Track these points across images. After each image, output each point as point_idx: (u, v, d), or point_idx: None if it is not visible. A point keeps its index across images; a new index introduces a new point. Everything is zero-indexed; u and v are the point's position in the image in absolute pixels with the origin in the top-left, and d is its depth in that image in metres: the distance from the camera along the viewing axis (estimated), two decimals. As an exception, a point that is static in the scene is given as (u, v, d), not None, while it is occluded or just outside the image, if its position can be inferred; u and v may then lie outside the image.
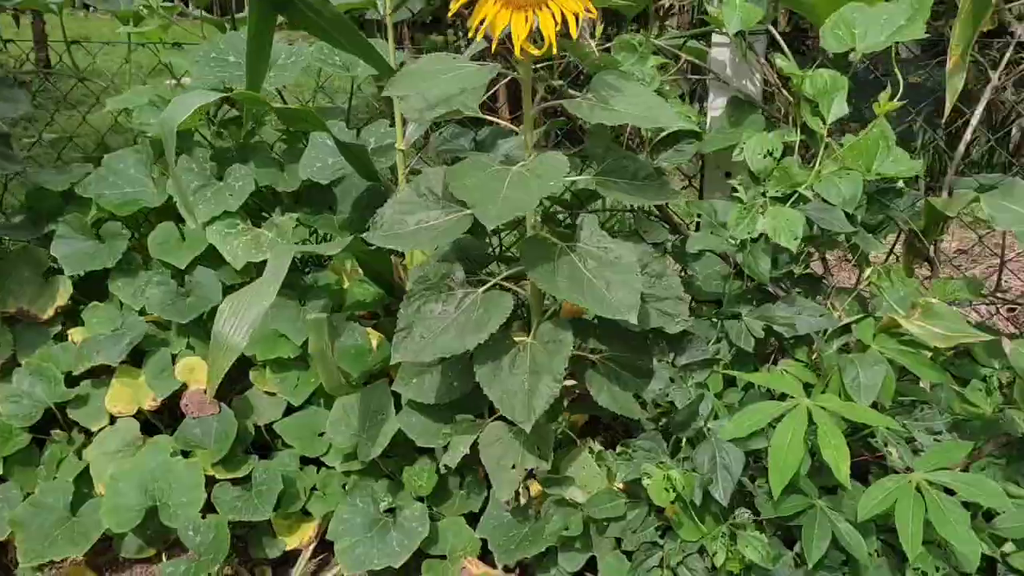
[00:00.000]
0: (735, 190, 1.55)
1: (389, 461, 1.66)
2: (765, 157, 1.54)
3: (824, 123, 1.47)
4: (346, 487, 1.67)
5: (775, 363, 1.45)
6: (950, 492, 1.22)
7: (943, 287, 1.40)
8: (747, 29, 1.55)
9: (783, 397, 1.30)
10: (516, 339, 1.44)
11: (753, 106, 1.68)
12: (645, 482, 1.31)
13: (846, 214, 1.41)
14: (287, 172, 1.90)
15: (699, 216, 1.52)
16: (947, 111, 1.51)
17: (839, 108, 1.47)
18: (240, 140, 2.03)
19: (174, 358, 1.81)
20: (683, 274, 1.64)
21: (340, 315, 1.74)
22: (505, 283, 1.47)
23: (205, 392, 1.74)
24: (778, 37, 1.64)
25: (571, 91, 1.50)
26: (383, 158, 1.78)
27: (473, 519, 1.61)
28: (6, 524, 1.63)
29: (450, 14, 1.26)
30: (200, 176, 1.84)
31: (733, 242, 1.43)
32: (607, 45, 1.67)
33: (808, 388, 1.36)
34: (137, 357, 1.84)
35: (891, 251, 1.77)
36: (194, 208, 1.78)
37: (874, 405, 1.29)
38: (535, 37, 1.22)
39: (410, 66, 1.35)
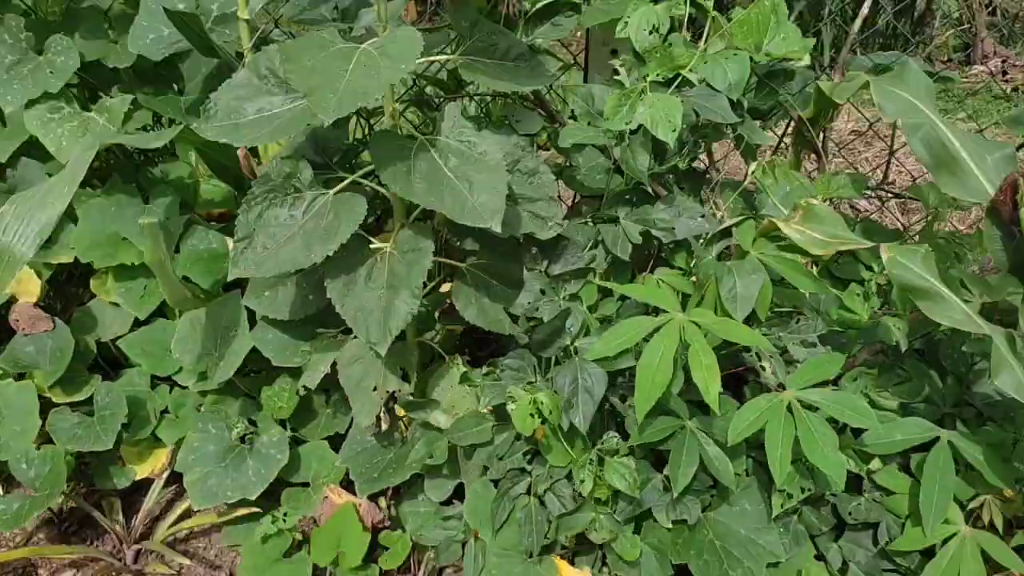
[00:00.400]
0: (617, 73, 1.40)
1: (246, 379, 1.53)
2: (651, 33, 1.39)
3: (712, -1, 1.32)
4: (200, 408, 1.54)
5: (654, 269, 1.35)
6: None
7: (827, 183, 1.31)
8: None
9: (658, 311, 1.21)
10: (374, 247, 1.30)
11: (641, -26, 1.51)
12: (510, 407, 1.22)
13: (731, 102, 1.29)
14: (121, 44, 1.65)
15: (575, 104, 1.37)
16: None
17: (731, -19, 1.32)
18: (66, 2, 1.75)
19: None
20: (566, 165, 1.51)
21: (182, 218, 1.55)
22: (364, 180, 1.31)
23: (36, 305, 1.56)
24: None
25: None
26: (227, 28, 1.55)
27: (339, 441, 1.51)
28: None
29: None
30: (14, 49, 1.58)
31: (610, 134, 1.30)
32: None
33: (686, 299, 1.28)
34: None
35: (781, 140, 1.67)
36: (8, 89, 1.53)
37: (752, 315, 1.22)
38: None
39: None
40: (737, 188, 1.42)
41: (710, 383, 1.12)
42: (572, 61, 1.70)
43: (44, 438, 1.51)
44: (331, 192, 1.26)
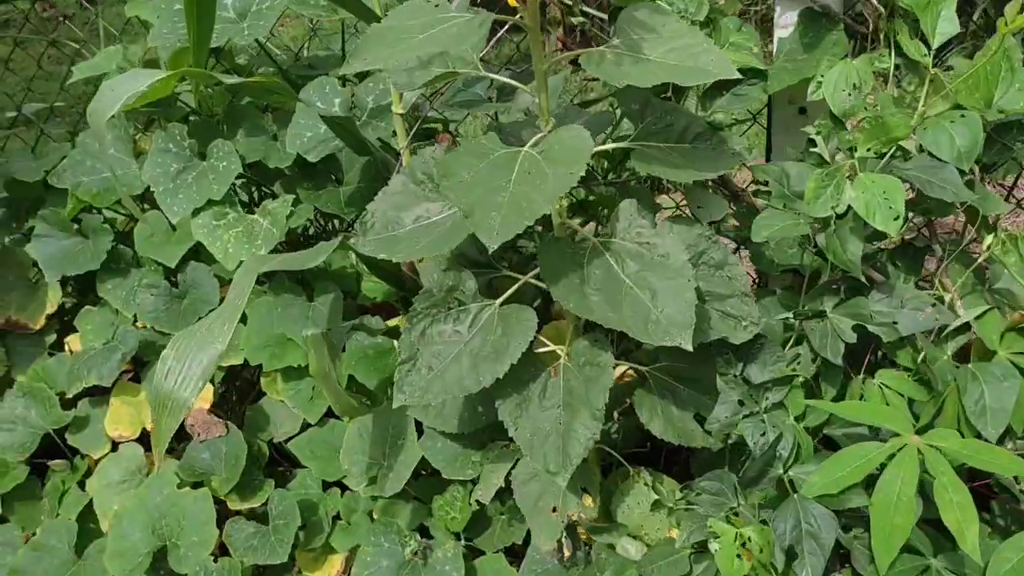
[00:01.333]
0: (812, 142, 1.22)
1: (417, 483, 1.45)
2: (850, 94, 1.19)
3: (928, 49, 1.11)
4: (373, 515, 1.47)
5: (872, 370, 1.15)
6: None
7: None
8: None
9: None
10: (545, 354, 1.18)
11: (833, 20, 1.32)
12: (712, 547, 1.06)
13: (962, 173, 1.08)
14: (281, 140, 1.63)
15: (765, 184, 1.20)
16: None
17: (948, 25, 1.11)
18: (228, 103, 1.76)
19: (176, 368, 1.62)
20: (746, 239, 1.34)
21: (345, 326, 1.49)
22: (533, 281, 1.20)
23: (210, 411, 1.55)
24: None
25: (593, 30, 1.18)
26: (383, 121, 1.49)
27: (516, 553, 1.40)
28: (7, 574, 1.50)
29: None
30: (179, 157, 1.59)
31: (812, 220, 1.12)
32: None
33: (916, 407, 1.07)
34: (140, 367, 1.66)
35: (1010, 192, 1.42)
36: (175, 200, 1.54)
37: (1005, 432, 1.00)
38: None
39: (379, 25, 1.04)
40: (969, 264, 1.19)
41: (966, 527, 0.91)
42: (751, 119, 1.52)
43: (220, 547, 1.49)
44: (496, 303, 1.15)
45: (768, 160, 1.49)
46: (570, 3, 1.17)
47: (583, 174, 0.97)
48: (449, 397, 1.10)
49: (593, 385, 1.10)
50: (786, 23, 1.37)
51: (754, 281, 1.52)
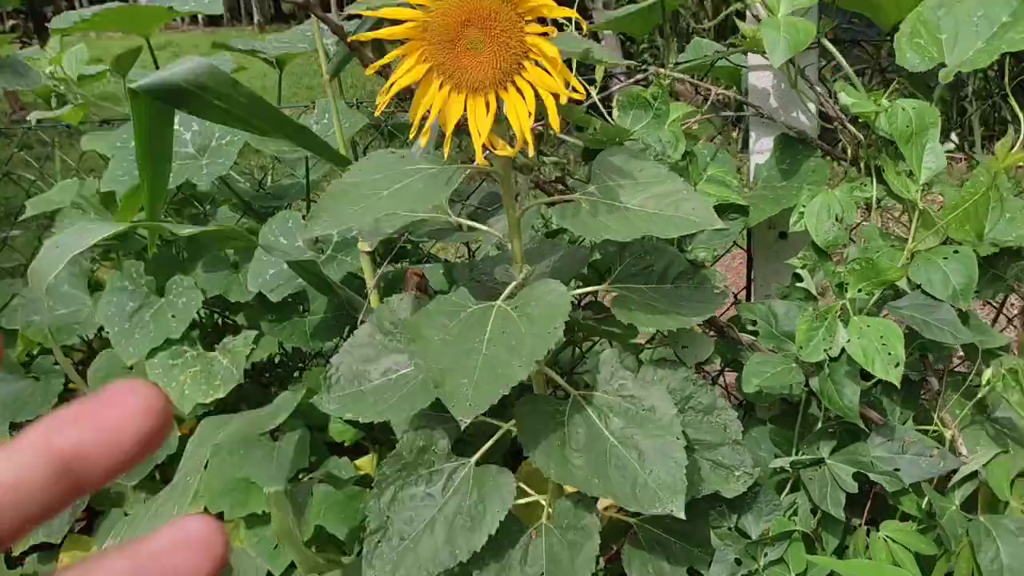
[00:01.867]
0: (797, 275, 1.17)
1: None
2: (833, 224, 1.15)
3: (915, 183, 1.08)
4: None
5: (875, 520, 1.08)
6: None
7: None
8: (795, 55, 1.15)
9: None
10: (525, 507, 1.10)
11: (810, 146, 1.29)
12: None
13: (959, 312, 1.03)
14: (243, 273, 1.56)
15: (753, 323, 1.14)
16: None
17: (935, 159, 1.07)
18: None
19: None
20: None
21: (312, 482, 1.40)
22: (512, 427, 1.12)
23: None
24: (837, 55, 1.24)
25: (565, 178, 1.13)
26: (348, 256, 1.43)
27: None
28: None
29: (381, 104, 0.90)
30: (136, 294, 1.51)
31: (804, 364, 1.06)
32: (622, 85, 1.29)
33: (922, 560, 1.00)
34: (94, 516, 1.55)
35: (1000, 311, 1.37)
36: (130, 340, 1.46)
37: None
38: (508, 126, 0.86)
39: (341, 182, 0.99)
40: (971, 397, 1.13)
41: None
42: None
43: None
44: (472, 461, 1.07)
45: (749, 284, 1.44)
46: (545, 152, 1.13)
47: (560, 335, 0.91)
48: (424, 575, 1.01)
49: (578, 554, 1.02)
50: (762, 148, 1.34)
51: (739, 403, 1.45)
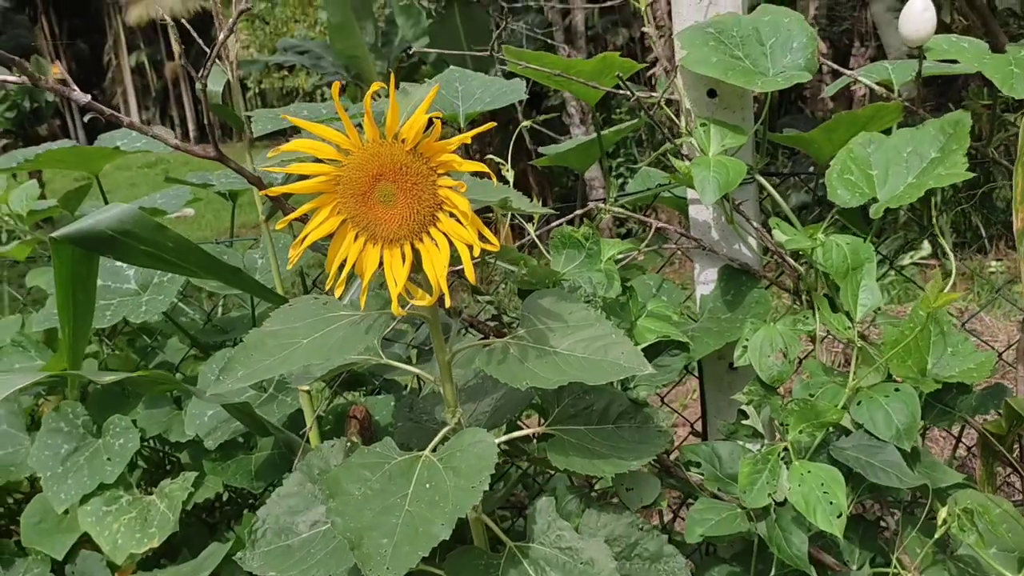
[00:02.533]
0: (743, 412, 1.14)
1: None
2: (777, 359, 1.13)
3: (852, 321, 1.06)
4: None
5: None
6: None
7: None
8: (730, 192, 1.16)
9: None
10: None
11: (753, 278, 1.28)
12: None
13: (903, 453, 0.99)
14: (187, 409, 1.51)
15: (698, 465, 1.10)
16: None
17: (869, 297, 1.06)
18: (136, 366, 1.67)
19: None
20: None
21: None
22: None
23: None
24: (771, 191, 1.25)
25: (495, 319, 1.12)
26: (289, 397, 1.39)
27: None
28: None
29: (293, 258, 0.88)
30: (71, 436, 1.46)
31: (749, 509, 1.01)
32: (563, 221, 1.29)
33: None
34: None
35: (958, 441, 1.34)
36: (62, 486, 1.40)
37: None
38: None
39: (260, 331, 0.96)
40: (931, 534, 1.08)
41: None
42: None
43: None
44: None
45: (704, 417, 1.41)
46: (482, 291, 1.12)
47: (487, 487, 0.87)
48: None
49: None
50: (706, 279, 1.33)
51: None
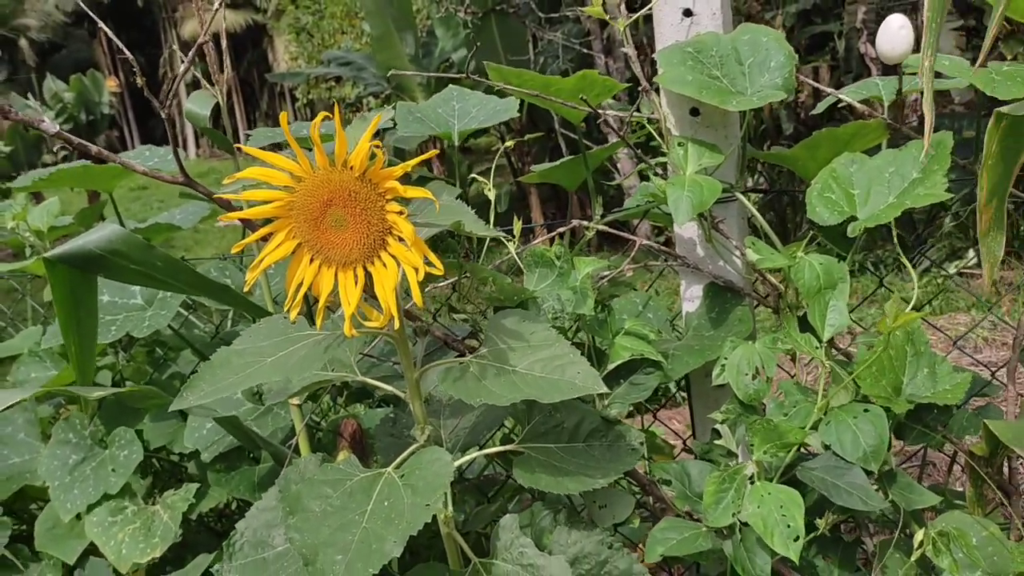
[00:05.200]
0: (718, 433, 1.14)
1: None
2: (754, 378, 1.13)
3: (820, 341, 1.05)
4: None
5: None
6: None
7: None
8: (705, 212, 1.16)
9: None
10: None
11: (738, 295, 1.27)
12: None
13: (871, 475, 0.98)
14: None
15: (668, 483, 1.10)
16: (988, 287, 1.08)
17: (838, 317, 1.05)
18: (148, 377, 1.72)
19: None
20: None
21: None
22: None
23: None
24: (751, 209, 1.25)
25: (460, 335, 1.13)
26: (283, 410, 1.43)
27: None
28: None
29: (250, 280, 0.91)
30: (79, 447, 1.52)
31: (715, 528, 1.01)
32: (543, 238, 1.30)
33: None
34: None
35: (953, 460, 1.32)
36: (69, 495, 1.45)
37: None
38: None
39: (227, 349, 0.99)
40: (911, 553, 1.07)
41: None
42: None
43: None
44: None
45: (694, 434, 1.40)
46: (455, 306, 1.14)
47: (440, 506, 0.89)
48: None
49: None
50: (692, 296, 1.33)
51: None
